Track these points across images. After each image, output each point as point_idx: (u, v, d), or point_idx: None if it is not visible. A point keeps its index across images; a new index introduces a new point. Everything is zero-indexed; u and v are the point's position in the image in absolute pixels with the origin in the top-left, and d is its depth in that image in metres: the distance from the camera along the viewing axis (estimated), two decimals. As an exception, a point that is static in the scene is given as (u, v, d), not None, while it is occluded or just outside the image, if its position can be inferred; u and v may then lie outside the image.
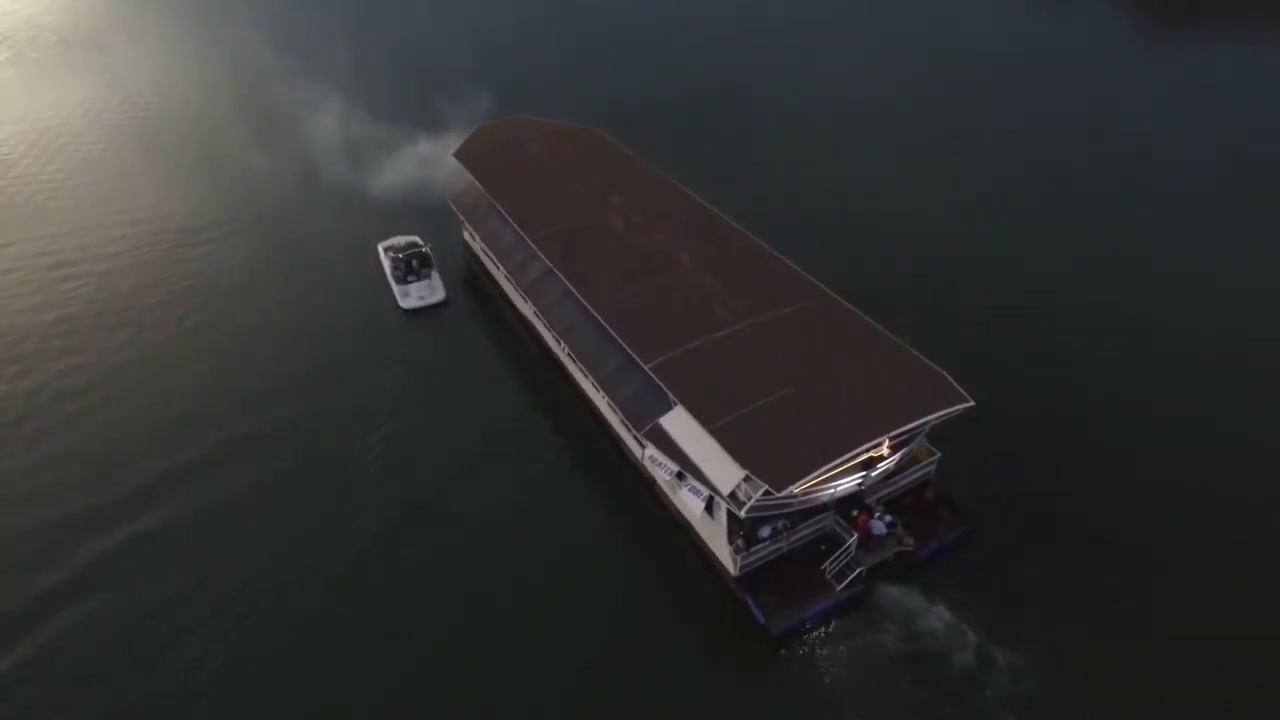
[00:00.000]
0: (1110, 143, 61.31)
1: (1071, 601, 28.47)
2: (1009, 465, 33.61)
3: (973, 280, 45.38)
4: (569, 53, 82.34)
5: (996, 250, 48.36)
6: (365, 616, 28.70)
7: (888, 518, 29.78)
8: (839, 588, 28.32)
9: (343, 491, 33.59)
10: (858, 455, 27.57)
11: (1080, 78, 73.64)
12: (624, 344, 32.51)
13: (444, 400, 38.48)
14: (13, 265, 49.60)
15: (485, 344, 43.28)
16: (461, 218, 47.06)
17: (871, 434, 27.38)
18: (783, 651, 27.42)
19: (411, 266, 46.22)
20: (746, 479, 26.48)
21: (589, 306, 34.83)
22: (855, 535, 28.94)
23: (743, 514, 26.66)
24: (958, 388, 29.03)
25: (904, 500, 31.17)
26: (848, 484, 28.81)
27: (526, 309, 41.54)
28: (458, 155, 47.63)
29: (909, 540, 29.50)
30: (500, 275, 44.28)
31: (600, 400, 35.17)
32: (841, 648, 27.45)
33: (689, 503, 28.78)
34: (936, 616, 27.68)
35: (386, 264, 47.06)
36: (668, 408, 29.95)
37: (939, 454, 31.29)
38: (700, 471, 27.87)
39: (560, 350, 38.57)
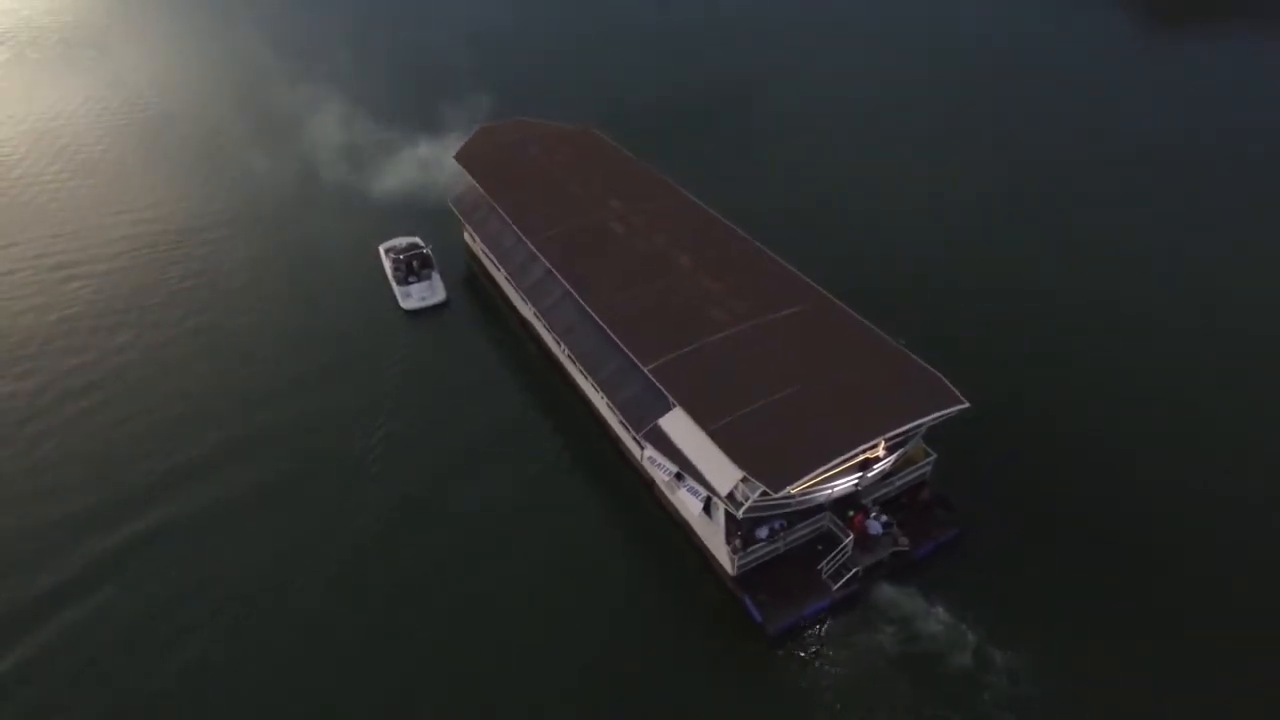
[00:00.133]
0: (1110, 143, 61.30)
1: (1071, 602, 28.48)
2: (1009, 465, 33.62)
3: (972, 280, 45.41)
4: (569, 53, 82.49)
5: (996, 250, 48.39)
6: (365, 616, 28.77)
7: (884, 518, 29.91)
8: (835, 587, 28.44)
9: (343, 491, 33.66)
10: (854, 456, 27.69)
11: (1080, 78, 73.61)
12: (623, 346, 32.64)
13: (444, 400, 38.55)
14: (15, 266, 49.78)
15: (485, 345, 43.36)
16: (462, 219, 47.14)
17: (867, 436, 27.53)
18: (780, 651, 27.47)
19: (412, 267, 46.31)
20: (744, 480, 26.59)
21: (589, 309, 34.96)
22: (851, 535, 29.04)
23: (740, 514, 26.79)
24: (953, 389, 29.13)
25: (900, 500, 31.28)
26: (844, 485, 28.96)
27: (527, 310, 41.62)
28: (458, 158, 47.74)
29: (904, 540, 29.60)
30: (500, 277, 44.36)
31: (600, 401, 35.24)
32: (841, 648, 27.48)
33: (687, 503, 28.88)
34: (935, 617, 27.72)
35: (387, 265, 47.15)
36: (667, 409, 30.05)
37: (934, 455, 31.40)
38: (698, 472, 27.97)
39: (560, 351, 38.64)
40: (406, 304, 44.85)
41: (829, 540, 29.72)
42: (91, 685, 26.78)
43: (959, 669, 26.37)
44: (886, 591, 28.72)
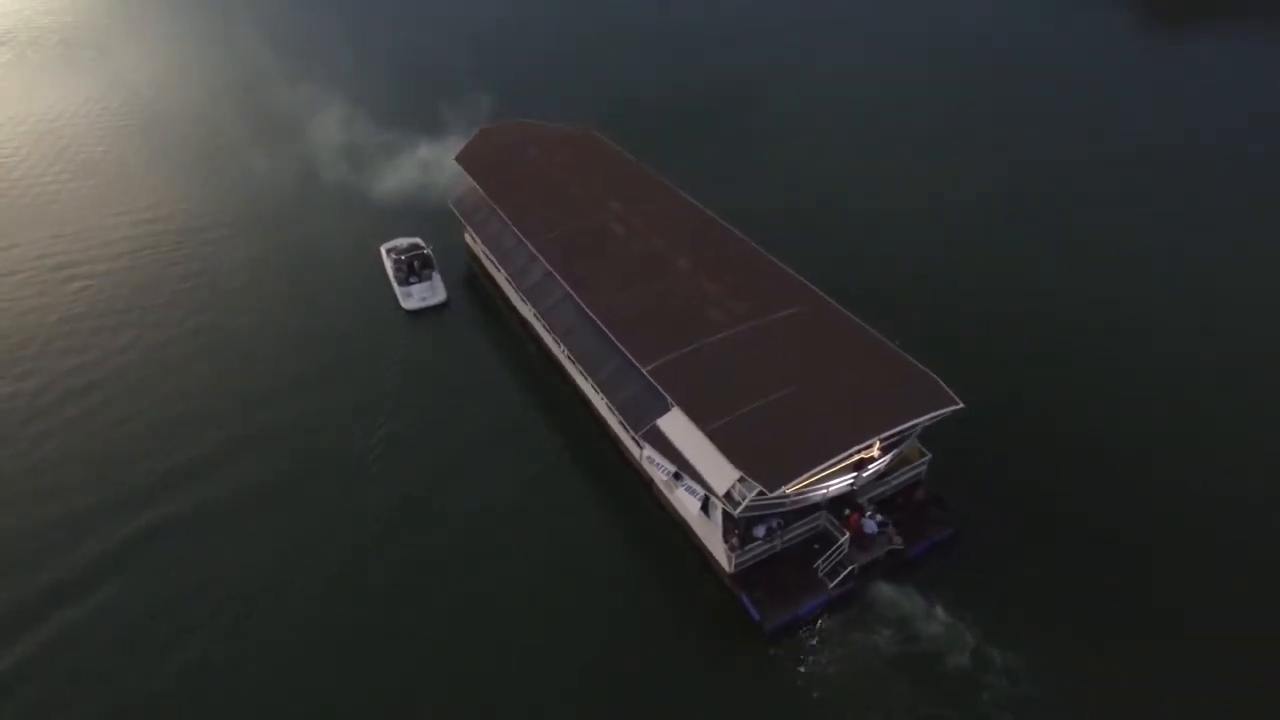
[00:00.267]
0: (1110, 143, 61.28)
1: (1070, 602, 28.49)
2: (1009, 465, 33.64)
3: (972, 280, 45.42)
4: (569, 54, 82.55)
5: (996, 250, 48.40)
6: (365, 616, 28.82)
7: (879, 517, 30.04)
8: (831, 585, 28.55)
9: (343, 491, 33.73)
10: (849, 456, 27.81)
11: (1080, 78, 73.59)
12: (622, 346, 32.77)
13: (444, 400, 38.61)
14: (16, 267, 49.90)
15: (485, 345, 43.43)
16: (463, 221, 47.21)
17: (862, 436, 27.69)
18: (777, 649, 27.49)
19: (413, 268, 46.41)
20: (741, 479, 26.74)
21: (588, 309, 35.07)
22: (847, 534, 29.14)
23: (737, 513, 26.97)
24: (948, 390, 29.24)
25: (895, 500, 31.38)
26: (840, 484, 29.07)
27: (527, 311, 41.69)
28: (459, 159, 47.85)
29: (898, 539, 29.71)
30: (501, 278, 44.44)
31: (599, 401, 35.31)
32: (840, 648, 27.51)
33: (685, 502, 29.01)
34: (935, 617, 27.74)
35: (388, 265, 47.24)
36: (665, 409, 30.17)
37: (929, 455, 31.46)
38: (696, 472, 28.13)
39: (560, 352, 38.71)
40: (407, 304, 44.95)
41: (825, 539, 29.82)
42: (92, 684, 26.86)
43: (958, 669, 26.39)
44: (885, 591, 28.76)
